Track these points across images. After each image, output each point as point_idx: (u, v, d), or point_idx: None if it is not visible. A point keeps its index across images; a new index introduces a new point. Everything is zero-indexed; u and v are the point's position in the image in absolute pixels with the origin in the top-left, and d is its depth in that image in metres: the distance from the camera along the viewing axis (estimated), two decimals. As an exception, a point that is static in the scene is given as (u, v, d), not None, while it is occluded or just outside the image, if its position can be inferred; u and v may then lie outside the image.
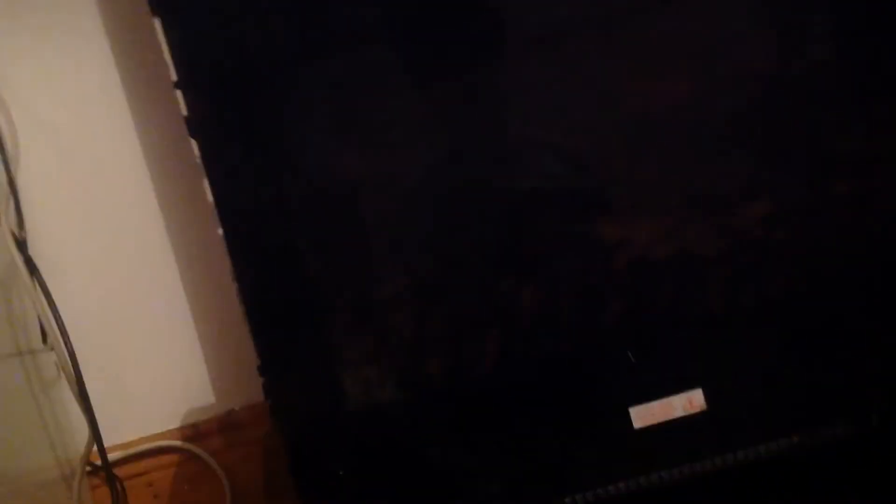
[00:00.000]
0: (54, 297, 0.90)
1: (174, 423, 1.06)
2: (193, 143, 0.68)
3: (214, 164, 0.66)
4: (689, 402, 0.62)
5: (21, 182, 0.99)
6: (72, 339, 0.90)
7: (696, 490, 0.66)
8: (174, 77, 0.67)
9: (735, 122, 0.63)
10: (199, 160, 0.69)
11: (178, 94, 0.68)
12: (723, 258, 0.63)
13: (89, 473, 1.03)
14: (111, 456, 0.98)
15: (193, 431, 1.05)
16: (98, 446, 0.89)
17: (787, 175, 0.62)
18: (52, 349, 0.95)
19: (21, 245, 0.89)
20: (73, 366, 0.88)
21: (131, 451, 1.03)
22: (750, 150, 0.63)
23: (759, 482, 0.66)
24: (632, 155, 0.63)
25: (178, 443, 1.05)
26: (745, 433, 0.64)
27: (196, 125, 0.66)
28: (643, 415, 0.62)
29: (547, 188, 0.64)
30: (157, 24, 0.66)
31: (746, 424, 0.64)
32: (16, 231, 0.91)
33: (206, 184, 0.71)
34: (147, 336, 1.06)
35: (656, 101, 0.62)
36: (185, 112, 0.69)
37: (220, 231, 0.85)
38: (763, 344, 0.63)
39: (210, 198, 0.72)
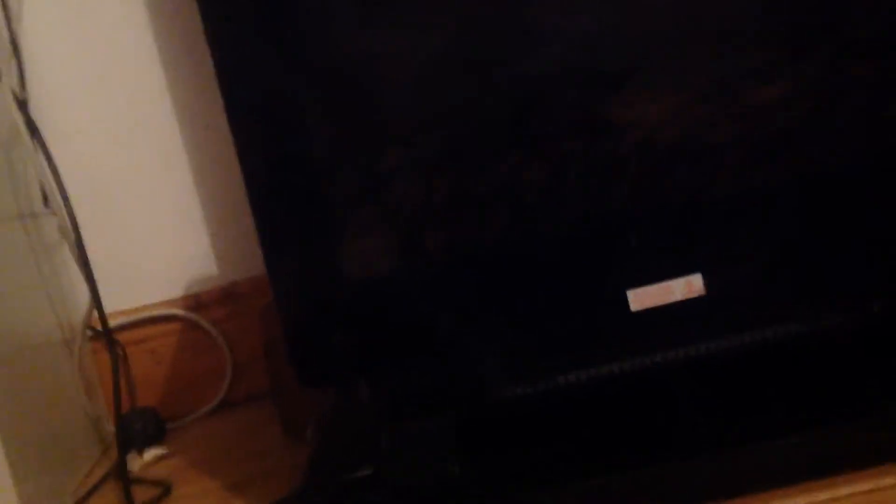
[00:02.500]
0: (56, 160, 0.89)
1: (176, 293, 1.06)
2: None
3: (220, 29, 0.64)
4: (689, 286, 0.62)
5: (24, 41, 0.97)
6: (73, 203, 0.90)
7: (691, 375, 0.66)
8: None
9: (750, 3, 0.61)
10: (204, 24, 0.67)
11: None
12: (732, 142, 0.62)
13: (91, 338, 1.04)
14: (112, 322, 0.99)
15: (195, 301, 1.06)
16: (98, 310, 0.90)
17: (804, 57, 0.60)
18: (54, 213, 0.94)
19: (22, 105, 0.88)
20: (73, 229, 0.88)
21: (133, 317, 1.04)
22: (765, 29, 0.61)
23: (756, 369, 0.66)
24: (642, 35, 0.61)
25: (179, 311, 1.05)
26: (744, 320, 0.64)
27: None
28: (641, 297, 0.62)
29: (555, 68, 0.62)
30: None
31: (745, 311, 0.64)
32: (17, 91, 0.90)
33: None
34: (150, 204, 1.06)
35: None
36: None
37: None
38: (767, 231, 0.62)
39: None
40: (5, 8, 0.94)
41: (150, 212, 1.05)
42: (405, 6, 0.63)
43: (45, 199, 0.95)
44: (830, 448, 0.60)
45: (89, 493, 0.88)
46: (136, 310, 1.05)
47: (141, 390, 1.05)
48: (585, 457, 0.64)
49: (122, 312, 1.04)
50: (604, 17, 0.62)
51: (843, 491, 0.59)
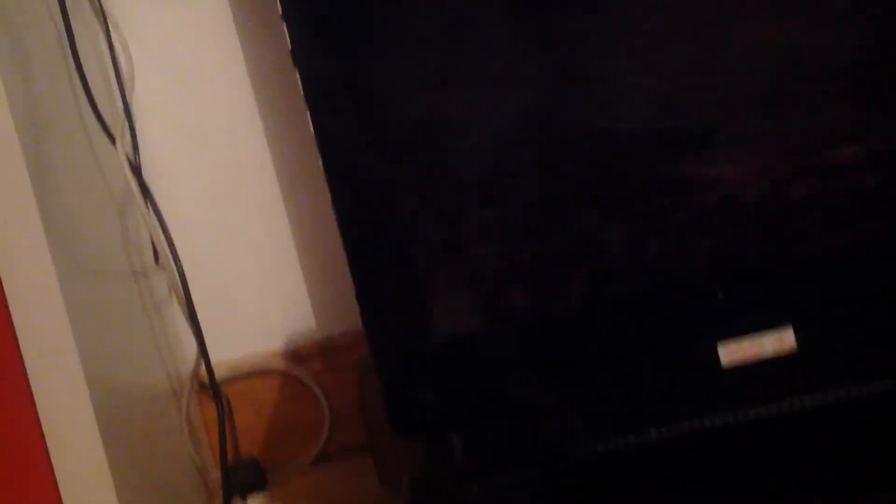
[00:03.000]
0: (166, 220, 0.94)
1: (277, 346, 1.10)
2: (297, 77, 0.70)
3: (315, 97, 0.68)
4: (780, 340, 0.62)
5: (135, 109, 1.03)
6: (182, 261, 0.94)
7: (781, 430, 0.66)
8: (279, 10, 0.69)
9: (836, 64, 0.61)
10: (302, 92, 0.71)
11: (284, 26, 0.70)
12: (813, 200, 0.62)
13: (198, 391, 1.08)
14: (217, 374, 1.02)
15: (294, 354, 1.09)
16: (205, 363, 0.94)
17: (885, 118, 0.61)
18: (164, 269, 0.99)
19: (136, 170, 0.93)
20: (182, 285, 0.92)
21: (236, 370, 1.08)
22: (848, 92, 0.61)
23: (846, 428, 0.66)
24: (725, 94, 0.62)
25: (280, 364, 1.09)
26: (835, 375, 0.64)
27: (298, 56, 0.68)
28: (732, 352, 0.62)
29: (638, 127, 0.64)
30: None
31: (836, 368, 0.64)
32: (131, 156, 0.95)
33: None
34: (252, 261, 1.10)
35: (755, 40, 0.61)
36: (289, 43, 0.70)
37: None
38: (855, 286, 0.62)
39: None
40: (119, 77, 1.00)
41: (252, 268, 1.10)
42: (483, 67, 0.66)
43: (156, 257, 1.00)
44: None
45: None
46: (239, 361, 1.09)
47: (243, 441, 1.08)
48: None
49: (227, 365, 1.08)
50: (687, 76, 0.64)
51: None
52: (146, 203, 0.92)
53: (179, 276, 0.92)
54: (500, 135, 0.66)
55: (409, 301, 0.67)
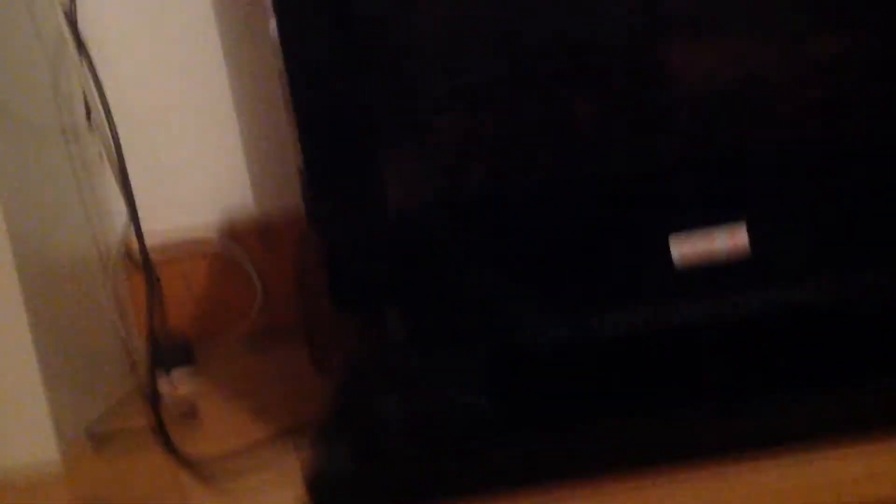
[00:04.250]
0: (102, 79, 0.89)
1: (211, 222, 1.07)
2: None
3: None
4: (732, 237, 0.61)
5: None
6: (116, 124, 0.90)
7: (727, 329, 0.66)
8: None
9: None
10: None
11: None
12: (790, 91, 0.61)
13: (126, 261, 1.05)
14: (148, 245, 0.99)
15: (229, 231, 1.07)
16: (136, 231, 0.90)
17: (857, 17, 0.59)
18: (96, 131, 0.95)
19: (72, 20, 0.88)
20: (115, 148, 0.88)
21: (167, 240, 1.05)
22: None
23: (794, 329, 0.66)
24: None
25: (213, 239, 1.06)
26: (786, 277, 0.64)
27: None
28: (684, 245, 0.62)
29: (613, 6, 0.62)
30: None
31: (788, 268, 0.63)
32: (66, 4, 0.90)
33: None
34: (191, 130, 1.06)
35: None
36: None
37: (273, 24, 0.84)
38: (817, 188, 0.62)
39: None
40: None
41: (191, 139, 1.06)
42: None
43: (88, 116, 0.95)
44: (853, 410, 0.60)
45: (119, 408, 0.89)
46: (171, 233, 1.06)
47: (172, 316, 1.05)
48: (610, 401, 0.64)
49: (158, 236, 1.04)
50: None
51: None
52: (80, 56, 0.87)
53: (113, 138, 0.88)
54: (466, 7, 0.63)
55: (361, 168, 0.65)
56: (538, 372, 0.68)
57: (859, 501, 0.54)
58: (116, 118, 0.90)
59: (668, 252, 0.62)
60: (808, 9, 0.60)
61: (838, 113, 0.61)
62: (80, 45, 0.87)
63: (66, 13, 0.86)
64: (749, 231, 0.62)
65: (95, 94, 0.88)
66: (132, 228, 0.94)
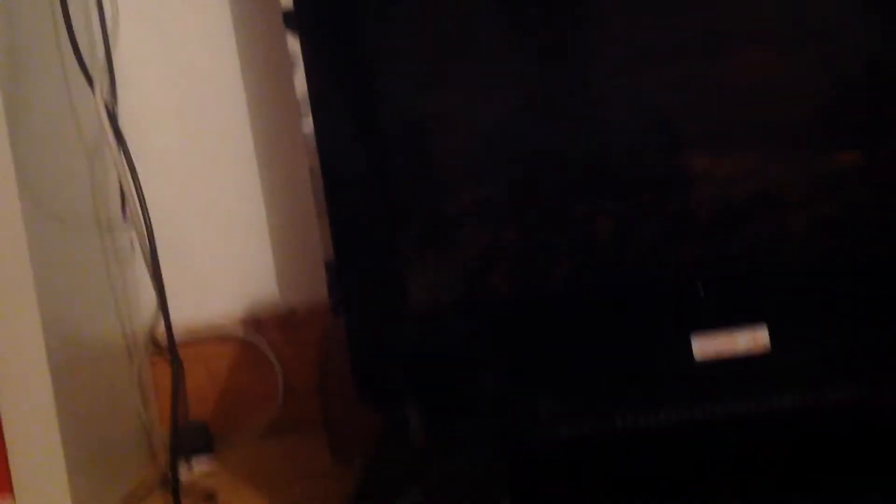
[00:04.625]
0: (138, 172, 0.92)
1: (237, 313, 1.09)
2: (288, 38, 0.69)
3: (312, 64, 0.67)
4: (754, 338, 0.62)
5: (117, 57, 1.01)
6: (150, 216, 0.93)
7: (749, 429, 0.66)
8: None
9: (838, 76, 0.62)
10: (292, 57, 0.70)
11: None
12: (804, 204, 0.63)
13: (151, 351, 1.06)
14: (174, 335, 1.01)
15: (254, 323, 1.08)
16: (165, 321, 0.92)
17: (884, 128, 0.61)
18: (130, 223, 0.97)
19: (112, 116, 0.91)
20: (149, 240, 0.90)
21: (193, 333, 1.07)
22: (847, 98, 0.62)
23: (815, 432, 0.66)
24: (720, 93, 0.62)
25: (239, 332, 1.07)
26: (806, 380, 0.64)
27: (295, 20, 0.67)
28: (705, 345, 0.63)
29: (631, 122, 0.64)
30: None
31: (808, 372, 0.64)
32: (109, 102, 0.93)
33: (296, 79, 0.73)
34: (221, 226, 1.08)
35: (750, 51, 0.61)
36: (282, 5, 0.70)
37: (306, 126, 0.87)
38: (835, 293, 0.63)
39: (299, 95, 0.73)
40: (102, 21, 0.98)
41: (219, 233, 1.08)
42: (474, 66, 0.65)
43: (123, 210, 0.98)
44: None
45: (139, 497, 0.90)
46: (196, 325, 1.07)
47: (193, 405, 1.06)
48: (631, 500, 0.64)
49: (183, 327, 1.06)
50: (682, 74, 0.64)
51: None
52: (119, 150, 0.90)
53: (147, 230, 0.90)
54: (489, 124, 0.65)
55: (387, 272, 0.66)
56: (559, 471, 0.68)
57: None
58: (150, 211, 0.93)
59: (690, 352, 0.63)
60: (823, 127, 0.62)
61: (855, 224, 0.63)
62: (119, 139, 0.90)
63: (106, 107, 0.90)
64: (770, 334, 0.63)
65: (132, 185, 0.91)
66: (159, 316, 0.96)
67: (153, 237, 0.91)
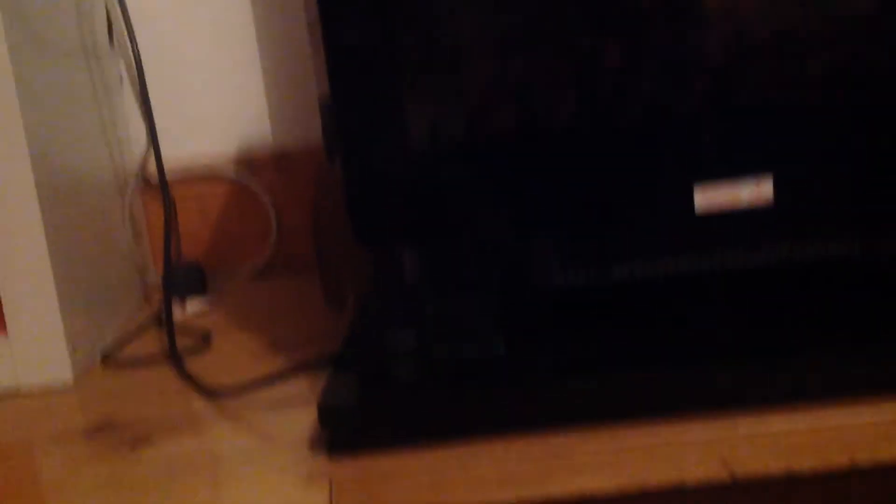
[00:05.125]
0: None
1: (229, 152, 1.07)
2: None
3: None
4: (758, 189, 0.61)
5: None
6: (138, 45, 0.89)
7: (745, 281, 0.65)
8: None
9: None
10: None
11: None
12: (821, 50, 0.60)
13: (142, 187, 1.05)
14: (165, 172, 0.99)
15: (247, 162, 1.06)
16: (155, 156, 0.90)
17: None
18: (118, 52, 0.94)
19: (97, -61, 0.87)
20: (137, 68, 0.87)
21: (185, 170, 1.05)
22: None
23: (814, 283, 0.66)
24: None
25: (231, 171, 1.06)
26: (809, 232, 0.63)
27: None
28: (708, 196, 0.61)
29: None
30: None
31: (811, 223, 0.63)
32: (92, -76, 0.89)
33: None
34: (213, 60, 1.05)
35: None
36: None
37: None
38: (846, 145, 0.61)
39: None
40: None
41: (212, 69, 1.05)
42: None
43: (111, 38, 0.95)
44: (871, 368, 0.60)
45: (133, 334, 0.90)
46: (188, 162, 1.05)
47: (186, 244, 1.06)
48: (624, 350, 0.64)
49: (175, 164, 1.04)
50: None
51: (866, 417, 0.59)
52: (106, -24, 0.86)
53: (135, 59, 0.87)
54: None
55: (385, 108, 0.64)
56: (554, 318, 0.68)
57: (872, 460, 0.54)
58: (138, 41, 0.89)
59: (692, 202, 0.62)
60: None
61: (869, 70, 0.60)
62: (105, -35, 0.86)
63: (91, -69, 0.85)
64: (774, 184, 0.61)
65: (119, 12, 0.87)
66: (149, 152, 0.94)
67: (142, 66, 0.88)
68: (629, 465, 0.57)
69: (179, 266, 1.00)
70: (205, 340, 0.87)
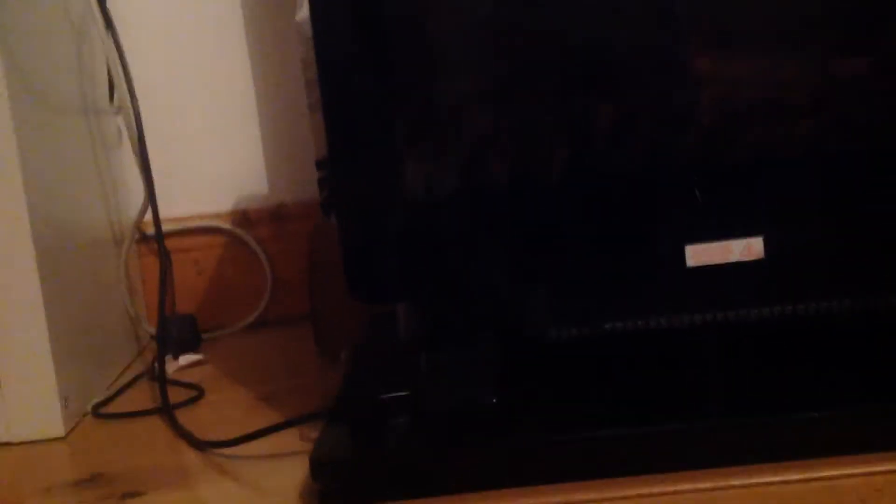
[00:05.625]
0: (127, 57, 0.90)
1: (225, 207, 1.08)
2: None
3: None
4: (748, 248, 0.61)
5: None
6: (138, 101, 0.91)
7: (740, 338, 0.66)
8: None
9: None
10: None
11: None
12: (810, 109, 0.61)
13: (138, 241, 1.05)
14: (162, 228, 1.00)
15: (243, 218, 1.07)
16: (153, 212, 0.91)
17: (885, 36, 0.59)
18: (118, 109, 0.95)
19: (100, -1, 0.89)
20: (136, 125, 0.88)
21: (181, 225, 1.05)
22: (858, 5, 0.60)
23: (805, 341, 0.66)
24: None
25: (227, 226, 1.06)
26: (799, 290, 0.64)
27: None
28: (699, 254, 0.62)
29: (638, 13, 0.62)
30: None
31: (801, 281, 0.64)
32: (95, -18, 0.90)
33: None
34: (211, 116, 1.06)
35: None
36: None
37: (300, 15, 0.85)
38: (834, 203, 0.62)
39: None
40: None
41: (211, 126, 1.06)
42: None
43: (111, 96, 0.96)
44: (856, 428, 0.61)
45: (125, 387, 0.90)
46: (185, 218, 1.06)
47: (180, 298, 1.06)
48: (618, 406, 0.64)
49: (171, 219, 1.05)
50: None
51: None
52: (107, 33, 0.87)
53: (135, 115, 0.88)
54: (490, 5, 0.63)
55: (381, 162, 0.65)
56: (547, 372, 0.68)
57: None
58: (138, 97, 0.90)
59: (683, 260, 0.62)
60: (830, 28, 0.60)
61: (859, 130, 0.62)
62: (108, 22, 0.88)
63: (94, -10, 0.87)
64: (765, 243, 0.62)
65: (120, 71, 0.88)
66: (147, 207, 0.95)
67: (141, 124, 0.89)
68: (622, 520, 0.57)
69: (173, 319, 1.00)
70: (199, 392, 0.86)
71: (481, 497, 0.60)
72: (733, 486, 0.58)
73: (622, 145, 0.63)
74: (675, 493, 0.58)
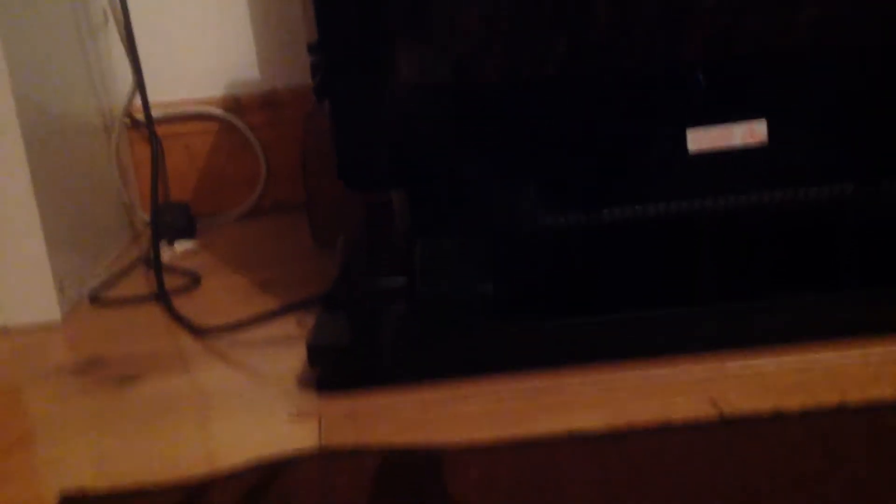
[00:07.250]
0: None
1: (217, 92, 1.05)
2: None
3: None
4: (751, 132, 0.60)
5: None
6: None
7: (737, 223, 0.65)
8: None
9: None
10: None
11: None
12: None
13: (129, 128, 1.04)
14: (152, 113, 0.98)
15: (235, 104, 1.05)
16: (141, 97, 0.89)
17: None
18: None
19: None
20: (123, 10, 0.86)
21: (172, 110, 1.04)
22: None
23: (804, 226, 0.66)
24: None
25: (219, 111, 1.04)
26: (800, 175, 0.63)
27: None
28: (700, 138, 0.61)
29: None
30: None
31: (802, 166, 0.63)
32: None
33: None
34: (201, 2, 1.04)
35: None
36: None
37: None
38: (838, 88, 0.60)
39: None
40: None
41: (199, 8, 1.03)
42: None
43: (96, -24, 0.93)
44: (860, 311, 0.61)
45: (121, 274, 0.89)
46: (176, 103, 1.04)
47: (174, 185, 1.05)
48: (613, 292, 0.64)
49: (161, 104, 1.03)
50: None
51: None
52: None
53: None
54: None
55: (374, 50, 0.63)
56: (542, 261, 0.68)
57: (863, 400, 0.54)
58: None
59: (685, 146, 0.61)
60: None
61: (863, 17, 0.60)
62: None
63: None
64: (769, 128, 0.61)
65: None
66: (135, 92, 0.93)
67: (126, 5, 0.86)
68: (617, 403, 0.57)
69: (167, 207, 1.00)
70: (194, 279, 0.86)
71: (476, 380, 0.61)
72: (731, 371, 0.59)
73: (624, 29, 0.61)
74: (670, 376, 0.59)
